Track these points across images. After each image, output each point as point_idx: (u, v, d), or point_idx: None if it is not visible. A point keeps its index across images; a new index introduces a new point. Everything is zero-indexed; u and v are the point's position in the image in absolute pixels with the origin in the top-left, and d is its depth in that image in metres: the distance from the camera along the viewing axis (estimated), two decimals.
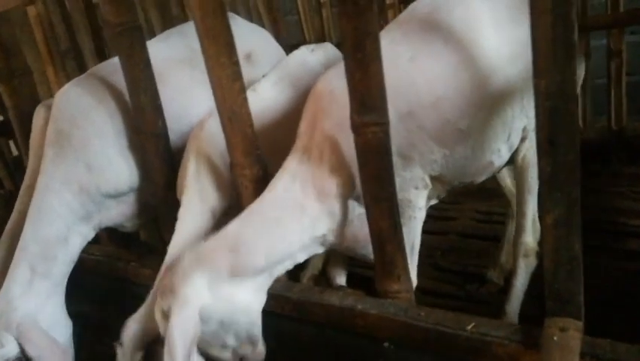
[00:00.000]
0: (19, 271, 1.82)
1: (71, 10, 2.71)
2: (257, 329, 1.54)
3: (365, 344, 1.55)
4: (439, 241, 2.90)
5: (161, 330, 1.42)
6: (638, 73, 3.96)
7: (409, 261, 1.55)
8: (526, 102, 1.66)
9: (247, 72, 2.23)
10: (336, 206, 1.54)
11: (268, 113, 1.86)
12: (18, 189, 2.16)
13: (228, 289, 1.44)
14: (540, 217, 1.21)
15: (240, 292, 1.47)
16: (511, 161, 1.80)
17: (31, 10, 2.07)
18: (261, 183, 1.63)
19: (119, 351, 1.61)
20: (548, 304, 1.28)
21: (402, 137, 1.51)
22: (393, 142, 1.40)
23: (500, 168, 1.82)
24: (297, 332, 1.70)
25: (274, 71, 1.95)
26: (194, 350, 1.37)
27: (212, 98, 1.60)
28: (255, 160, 1.65)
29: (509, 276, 2.03)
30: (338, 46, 2.09)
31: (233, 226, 1.50)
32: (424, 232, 2.96)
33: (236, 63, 1.55)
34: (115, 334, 1.67)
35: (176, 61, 2.11)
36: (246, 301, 1.48)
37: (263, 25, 3.63)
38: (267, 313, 1.67)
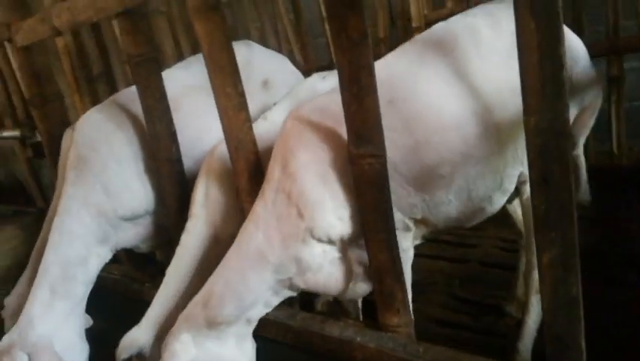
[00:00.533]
0: (40, 291, 1.89)
1: (105, 37, 2.87)
2: None
3: None
4: (458, 270, 2.84)
5: None
6: None
7: None
8: (520, 151, 1.57)
9: (264, 98, 2.31)
10: (303, 251, 1.48)
11: None
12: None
13: (210, 344, 1.51)
14: (538, 257, 1.17)
15: (223, 346, 1.52)
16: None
17: (59, 41, 2.21)
18: None
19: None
20: (548, 348, 1.23)
21: None
22: None
23: (497, 211, 1.72)
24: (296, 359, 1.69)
25: (285, 99, 1.98)
26: None
27: None
28: (259, 187, 1.67)
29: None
30: None
31: (210, 280, 1.53)
32: (443, 258, 2.96)
33: (242, 94, 1.59)
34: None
35: (194, 88, 2.19)
36: (231, 355, 1.53)
37: (291, 50, 3.72)
38: (269, 340, 1.69)
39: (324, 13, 3.36)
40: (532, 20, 1.00)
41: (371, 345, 1.47)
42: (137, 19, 1.82)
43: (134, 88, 2.11)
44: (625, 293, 2.04)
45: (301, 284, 1.53)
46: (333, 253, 1.52)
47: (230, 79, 1.56)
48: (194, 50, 3.48)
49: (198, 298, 1.52)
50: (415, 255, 2.93)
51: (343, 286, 1.56)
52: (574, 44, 1.66)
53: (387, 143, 1.39)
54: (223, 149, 1.77)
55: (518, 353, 1.80)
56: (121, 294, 2.29)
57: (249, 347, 1.58)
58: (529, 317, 1.79)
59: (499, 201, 1.64)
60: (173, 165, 1.96)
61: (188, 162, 2.05)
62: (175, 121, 2.00)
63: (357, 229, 1.48)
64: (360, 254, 1.52)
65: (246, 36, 3.77)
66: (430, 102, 1.48)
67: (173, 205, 1.99)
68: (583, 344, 1.19)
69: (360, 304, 2.05)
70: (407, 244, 1.57)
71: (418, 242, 1.68)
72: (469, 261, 2.90)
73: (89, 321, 2.24)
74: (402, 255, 1.48)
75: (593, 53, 1.78)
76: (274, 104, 1.99)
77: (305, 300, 2.16)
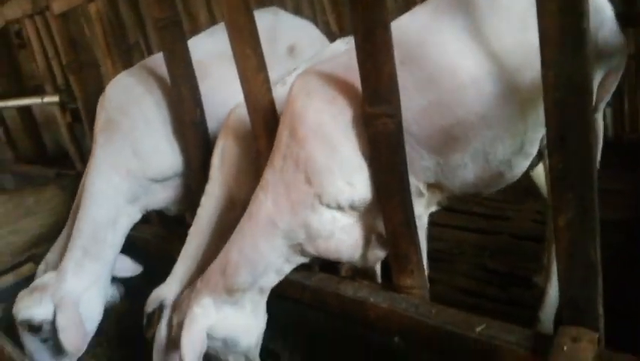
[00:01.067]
0: (73, 252, 2.00)
1: (140, 6, 2.92)
2: (254, 352, 1.64)
3: (376, 336, 1.54)
4: (490, 241, 2.77)
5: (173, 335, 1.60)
6: None
7: None
8: (543, 113, 1.49)
9: (290, 64, 2.29)
10: (312, 218, 1.47)
11: None
12: None
13: (229, 309, 1.56)
14: (553, 218, 1.12)
15: (240, 311, 1.57)
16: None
17: (92, 7, 2.27)
18: None
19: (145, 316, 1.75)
20: (563, 311, 1.19)
21: None
22: None
23: (517, 177, 1.64)
24: (314, 318, 1.73)
25: (306, 64, 1.96)
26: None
27: None
28: None
29: None
30: None
31: (226, 247, 1.56)
32: (474, 230, 2.90)
33: (260, 55, 1.59)
34: None
35: (219, 54, 2.19)
36: (246, 321, 1.58)
37: (328, 20, 3.66)
38: (286, 298, 1.72)
39: None
40: None
41: (384, 305, 1.47)
42: None
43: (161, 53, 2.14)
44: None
45: (312, 250, 1.52)
46: (343, 219, 1.50)
47: (249, 41, 1.56)
48: None
49: (216, 265, 1.56)
50: (445, 225, 2.95)
51: (355, 253, 1.55)
52: (600, 5, 1.55)
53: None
54: (241, 111, 1.77)
55: (540, 322, 1.77)
56: (152, 253, 2.39)
57: (262, 316, 1.63)
58: (550, 286, 1.74)
59: (519, 166, 1.57)
60: (197, 129, 2.00)
61: (213, 126, 2.07)
62: (203, 87, 2.02)
63: (368, 195, 1.46)
64: (372, 220, 1.51)
65: (281, 7, 3.74)
66: (443, 62, 1.43)
67: (197, 168, 2.03)
68: (600, 310, 1.15)
69: (379, 270, 2.05)
70: (420, 210, 1.53)
71: (433, 209, 1.64)
72: (501, 233, 2.83)
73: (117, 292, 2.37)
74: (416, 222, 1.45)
75: None
76: (294, 69, 1.98)
77: (330, 266, 2.18)
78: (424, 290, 1.52)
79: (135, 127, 2.05)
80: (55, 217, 2.68)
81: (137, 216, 2.16)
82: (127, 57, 2.56)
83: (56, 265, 2.08)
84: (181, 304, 1.62)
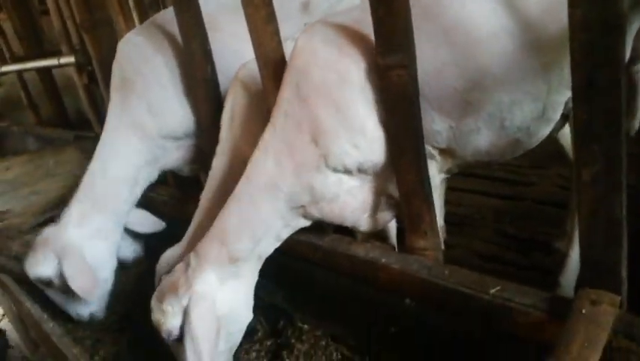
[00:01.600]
0: (81, 202, 2.00)
1: None
2: (240, 336, 1.53)
3: (387, 298, 1.51)
4: (512, 207, 2.69)
5: (166, 326, 1.42)
6: None
7: None
8: (568, 72, 1.35)
9: (304, 20, 2.20)
10: (317, 180, 1.39)
11: None
12: None
13: (232, 282, 1.45)
14: (576, 173, 1.04)
15: (241, 282, 1.47)
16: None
17: None
18: None
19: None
20: (582, 272, 1.13)
21: None
22: None
23: (535, 144, 1.52)
24: (325, 279, 1.70)
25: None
26: (219, 343, 1.40)
27: None
28: None
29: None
30: None
31: (220, 217, 1.46)
32: (496, 195, 2.81)
33: (270, 5, 1.51)
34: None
35: (232, 9, 2.12)
36: (247, 297, 1.50)
37: None
38: (298, 259, 1.70)
39: None
40: None
41: (395, 266, 1.43)
42: None
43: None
44: None
45: (316, 213, 1.46)
46: (350, 182, 1.43)
47: None
48: None
49: (212, 236, 1.45)
50: (465, 190, 2.86)
51: (361, 216, 1.49)
52: None
53: None
54: (251, 66, 1.71)
55: (560, 287, 1.71)
56: (169, 215, 2.39)
57: (253, 284, 1.54)
58: (573, 250, 1.66)
59: (539, 133, 1.46)
60: (208, 86, 1.95)
61: (226, 82, 2.02)
62: (214, 42, 1.96)
63: (377, 156, 1.39)
64: (383, 182, 1.45)
65: None
66: (455, 17, 1.32)
67: (209, 127, 1.99)
68: (624, 272, 1.08)
69: (394, 235, 2.00)
70: (433, 171, 1.46)
71: (443, 176, 1.56)
72: (524, 199, 2.74)
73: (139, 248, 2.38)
74: None
75: None
76: (305, 24, 1.89)
77: (345, 230, 2.15)
78: (438, 252, 1.47)
79: (149, 86, 2.02)
80: (75, 179, 2.70)
81: (152, 176, 2.16)
82: (141, 14, 2.50)
83: None
84: (175, 286, 1.43)
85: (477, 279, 1.30)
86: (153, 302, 1.47)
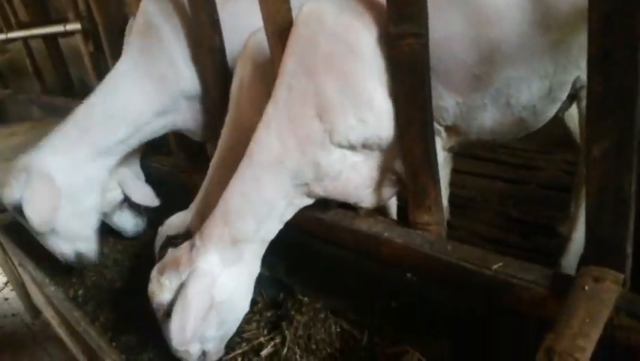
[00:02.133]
0: (66, 133, 1.92)
1: None
2: (233, 326, 1.51)
3: (390, 272, 1.51)
4: (516, 191, 2.68)
5: (159, 299, 1.41)
6: None
7: None
8: (576, 51, 1.32)
9: None
10: (321, 156, 1.36)
11: None
12: None
13: (235, 268, 1.42)
14: (586, 148, 1.03)
15: (244, 266, 1.44)
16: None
17: None
18: None
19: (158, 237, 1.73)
20: (587, 249, 1.12)
21: None
22: None
23: (540, 124, 1.50)
24: (329, 253, 1.70)
25: None
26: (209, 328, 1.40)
27: None
28: None
29: None
30: None
31: (224, 196, 1.43)
32: (500, 179, 2.80)
33: None
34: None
35: None
36: (248, 283, 1.47)
37: None
38: (300, 232, 1.70)
39: None
40: None
41: (398, 240, 1.43)
42: None
43: None
44: None
45: (320, 191, 1.44)
46: (353, 157, 1.40)
47: None
48: None
49: (216, 216, 1.42)
50: (469, 173, 2.84)
51: (362, 192, 1.48)
52: None
53: None
54: (260, 35, 1.68)
55: (562, 268, 1.70)
56: (173, 185, 2.39)
57: (255, 274, 1.52)
58: (575, 232, 1.65)
59: (545, 112, 1.44)
60: (215, 55, 1.92)
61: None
62: (224, 13, 1.92)
63: (383, 131, 1.37)
64: (388, 157, 1.43)
65: None
66: None
67: (216, 96, 1.97)
68: (629, 249, 1.07)
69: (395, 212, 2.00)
70: (437, 148, 1.43)
71: (446, 154, 1.55)
72: (529, 183, 2.72)
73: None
74: None
75: None
76: None
77: (349, 206, 2.15)
78: (441, 228, 1.46)
79: (173, 37, 1.96)
80: None
81: (157, 131, 2.10)
82: None
83: None
84: (178, 262, 1.43)
85: (480, 255, 1.29)
86: (153, 273, 1.46)
